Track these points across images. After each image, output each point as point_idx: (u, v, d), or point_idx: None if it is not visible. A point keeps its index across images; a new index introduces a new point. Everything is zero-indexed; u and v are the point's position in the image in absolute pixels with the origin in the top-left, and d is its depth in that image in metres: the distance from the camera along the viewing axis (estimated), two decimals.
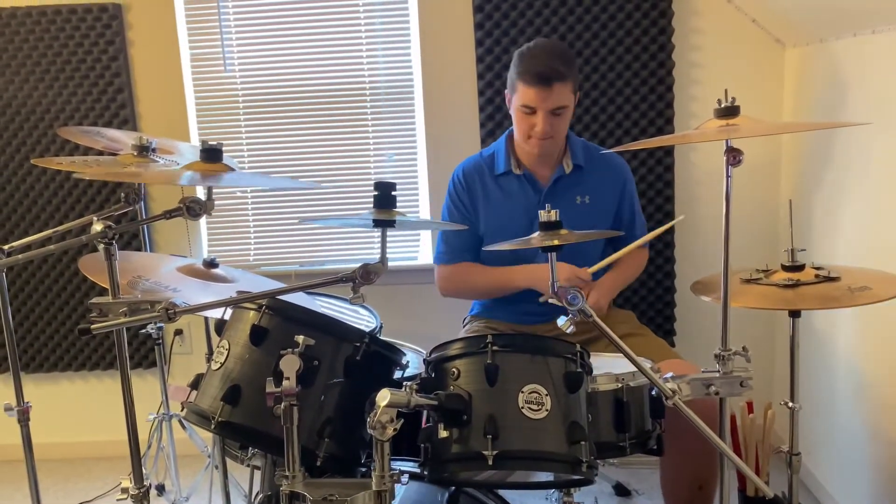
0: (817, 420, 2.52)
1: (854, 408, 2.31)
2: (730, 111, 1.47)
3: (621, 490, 2.69)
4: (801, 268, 1.71)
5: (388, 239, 1.41)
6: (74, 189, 2.95)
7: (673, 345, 2.88)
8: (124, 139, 2.26)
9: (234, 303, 1.49)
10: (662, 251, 2.85)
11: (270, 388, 1.32)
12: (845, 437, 2.37)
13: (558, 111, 2.13)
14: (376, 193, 1.41)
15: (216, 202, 3.14)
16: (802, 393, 2.60)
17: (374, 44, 2.89)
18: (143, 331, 2.65)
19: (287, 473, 1.35)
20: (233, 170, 1.54)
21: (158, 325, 2.51)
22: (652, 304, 2.90)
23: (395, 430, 1.29)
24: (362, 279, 1.38)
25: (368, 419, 1.29)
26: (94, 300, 1.44)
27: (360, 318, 2.28)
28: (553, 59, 2.09)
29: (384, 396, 1.30)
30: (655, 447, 1.58)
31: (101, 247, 1.48)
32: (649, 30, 2.72)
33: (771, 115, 2.78)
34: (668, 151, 2.81)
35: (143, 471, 2.51)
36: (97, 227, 1.47)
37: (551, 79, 2.08)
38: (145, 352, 3.07)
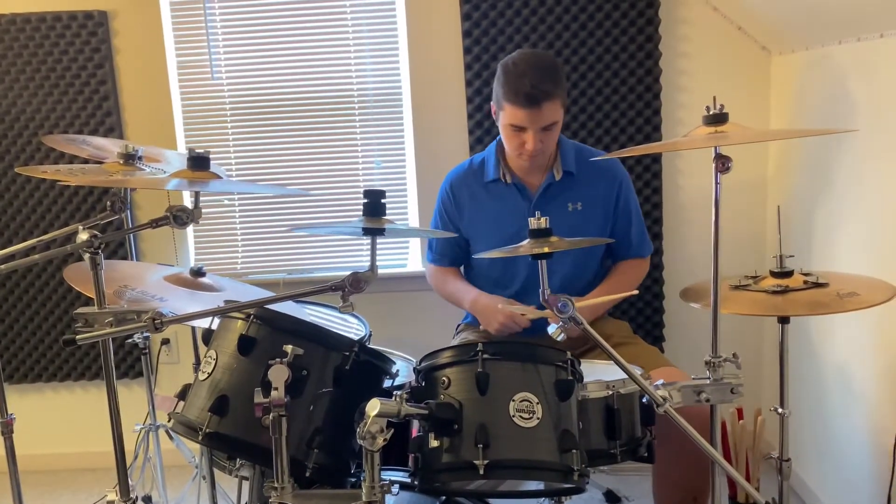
0: (807, 426, 2.52)
1: (844, 413, 2.32)
2: (718, 118, 1.48)
3: (612, 497, 2.68)
4: (789, 274, 1.71)
5: (377, 246, 1.40)
6: (59, 198, 2.92)
7: (662, 352, 2.88)
8: (110, 147, 2.25)
9: (222, 312, 1.48)
10: (650, 259, 2.85)
11: (259, 398, 1.31)
12: (835, 443, 2.38)
13: (549, 126, 2.08)
14: (366, 201, 1.40)
15: (203, 210, 3.11)
16: (792, 399, 2.60)
17: (362, 51, 2.89)
18: (130, 340, 2.62)
19: (276, 485, 1.34)
20: (220, 178, 1.53)
21: (145, 334, 2.48)
22: (640, 310, 2.90)
23: (385, 439, 1.28)
24: (352, 287, 1.37)
25: (358, 429, 1.28)
26: (80, 310, 1.42)
27: (349, 327, 2.27)
28: (541, 79, 2.01)
29: (374, 406, 1.29)
30: (646, 454, 1.58)
31: (86, 256, 1.46)
32: (636, 37, 2.72)
33: (758, 123, 2.80)
34: (656, 159, 2.82)
35: (130, 482, 2.50)
36: (83, 235, 1.45)
37: (540, 99, 2.01)
38: (132, 361, 3.04)
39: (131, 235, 2.76)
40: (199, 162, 1.52)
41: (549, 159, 2.26)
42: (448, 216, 2.35)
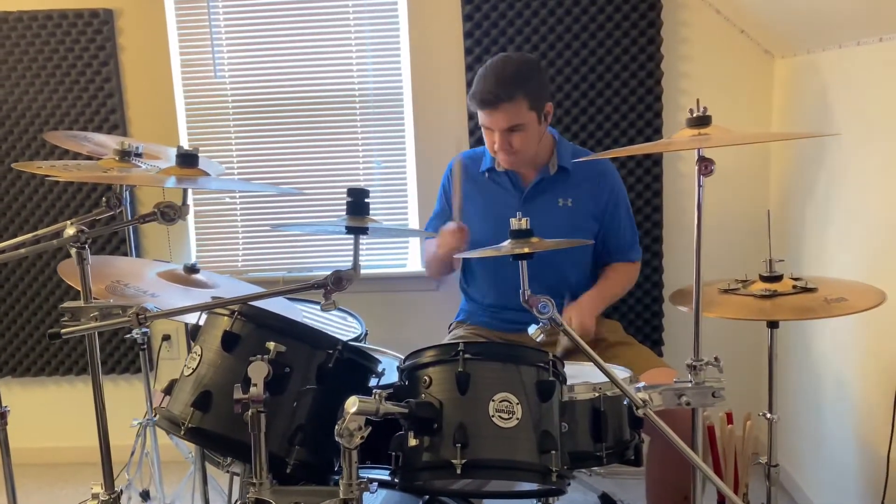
0: (802, 429, 2.51)
1: (838, 417, 2.30)
2: (701, 121, 1.47)
3: (607, 500, 2.66)
4: (779, 278, 1.70)
5: (376, 247, 1.41)
6: (64, 193, 2.95)
7: (661, 354, 2.87)
8: (110, 144, 2.26)
9: (206, 308, 1.49)
10: (650, 261, 2.84)
11: (238, 394, 1.32)
12: (830, 446, 2.36)
13: (514, 128, 2.12)
14: (349, 200, 1.41)
15: (204, 208, 3.12)
16: (787, 403, 2.60)
17: (364, 50, 2.90)
18: (129, 336, 2.64)
19: (254, 481, 1.35)
20: (208, 174, 1.54)
21: (144, 330, 2.50)
22: (640, 313, 2.89)
23: (362, 437, 1.29)
24: (334, 285, 1.38)
25: (336, 426, 1.28)
26: (66, 304, 1.44)
27: (347, 326, 2.28)
28: (498, 82, 2.08)
29: (353, 403, 1.29)
30: (633, 458, 1.57)
31: (73, 251, 1.48)
32: (638, 39, 2.72)
33: (760, 125, 2.78)
34: (657, 161, 2.81)
35: (127, 477, 2.52)
36: (70, 230, 1.47)
37: (494, 102, 2.08)
38: (132, 357, 3.07)
39: (131, 232, 2.79)
40: (187, 159, 1.54)
41: (546, 154, 2.28)
42: (449, 189, 2.38)
